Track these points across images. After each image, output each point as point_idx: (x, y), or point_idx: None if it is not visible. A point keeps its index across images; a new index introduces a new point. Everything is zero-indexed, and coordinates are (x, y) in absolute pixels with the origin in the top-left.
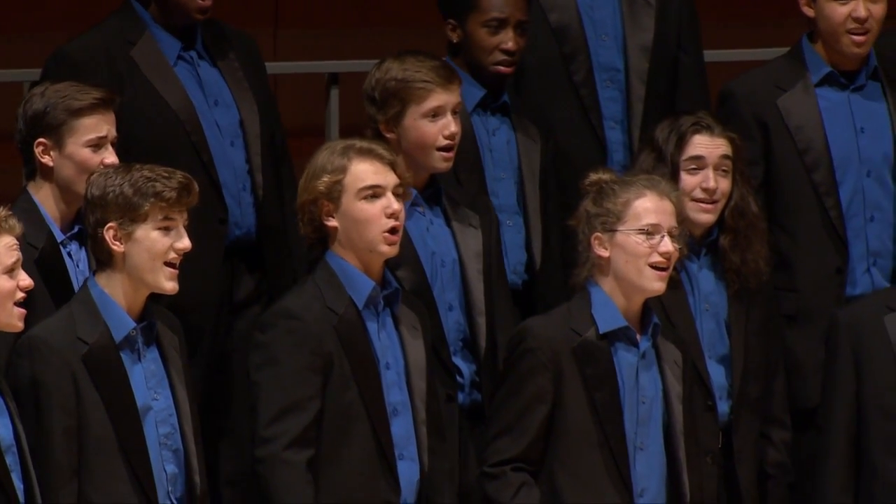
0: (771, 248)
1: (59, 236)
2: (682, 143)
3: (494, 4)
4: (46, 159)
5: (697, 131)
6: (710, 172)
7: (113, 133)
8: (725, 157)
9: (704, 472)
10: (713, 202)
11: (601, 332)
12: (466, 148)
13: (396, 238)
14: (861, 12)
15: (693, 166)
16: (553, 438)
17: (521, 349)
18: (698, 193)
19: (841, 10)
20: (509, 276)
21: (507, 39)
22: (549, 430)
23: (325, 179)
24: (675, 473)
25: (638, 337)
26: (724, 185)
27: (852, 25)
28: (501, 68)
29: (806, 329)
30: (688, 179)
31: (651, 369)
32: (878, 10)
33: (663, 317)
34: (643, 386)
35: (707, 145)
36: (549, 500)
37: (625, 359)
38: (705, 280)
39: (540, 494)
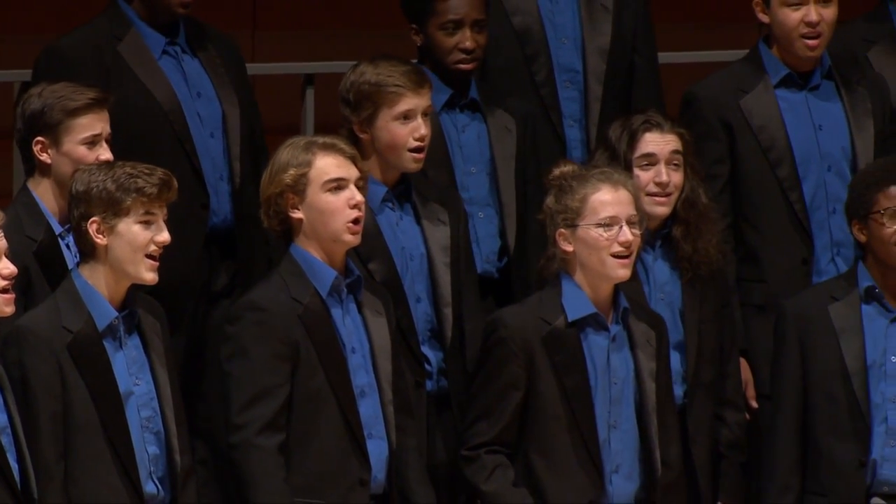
0: (738, 241)
1: (58, 229)
2: (633, 141)
3: (449, 7)
4: (44, 157)
5: (648, 129)
6: (662, 167)
7: (107, 130)
8: (676, 152)
9: (678, 441)
10: (667, 195)
11: (570, 320)
12: (434, 147)
13: (359, 228)
14: (813, 17)
15: (645, 163)
16: (527, 422)
17: (494, 339)
18: (652, 188)
19: (794, 16)
20: (483, 265)
21: (465, 39)
22: (522, 414)
23: (291, 173)
24: (647, 449)
25: (609, 321)
26: (677, 178)
27: (805, 30)
28: (462, 66)
29: (774, 318)
30: (641, 175)
31: (622, 351)
32: (829, 14)
33: (634, 302)
34: (615, 368)
35: (658, 142)
36: (524, 480)
37: (595, 343)
38: (660, 270)
39: (514, 475)
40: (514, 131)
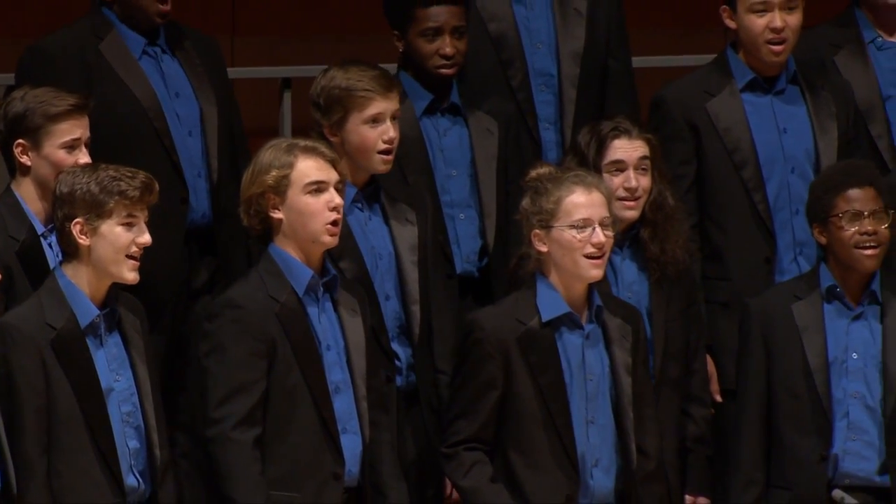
0: (703, 240)
1: (40, 229)
2: (602, 148)
3: (429, 14)
4: (25, 159)
5: (616, 136)
6: (630, 173)
7: (86, 135)
8: (644, 157)
9: (657, 431)
10: (635, 199)
11: (544, 320)
12: (415, 152)
13: (337, 230)
14: (778, 23)
15: (615, 169)
16: (504, 421)
17: (471, 340)
18: (622, 193)
19: (759, 22)
20: (463, 265)
21: (445, 45)
22: (500, 413)
23: (273, 174)
24: (623, 442)
25: (583, 320)
26: (645, 182)
27: (770, 36)
28: (443, 71)
29: (738, 315)
30: (611, 181)
31: (597, 347)
32: (794, 20)
33: (608, 299)
34: (589, 364)
35: (626, 148)
36: (502, 477)
37: (570, 342)
38: (628, 270)
39: (492, 471)
40: (496, 133)
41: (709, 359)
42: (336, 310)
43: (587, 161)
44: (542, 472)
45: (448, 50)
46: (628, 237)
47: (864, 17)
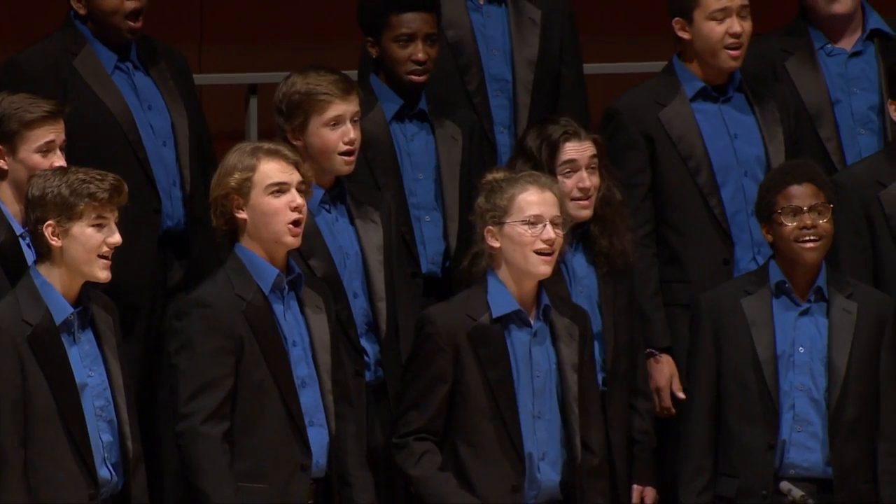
0: (661, 246)
1: (18, 230)
2: (555, 150)
3: (403, 21)
4: (1, 163)
5: (567, 139)
6: (583, 173)
7: (62, 138)
8: (593, 156)
9: (601, 428)
10: (588, 198)
11: (494, 316)
12: (385, 154)
13: (299, 230)
14: (737, 28)
15: (568, 170)
16: (453, 412)
17: (423, 334)
18: (576, 193)
19: (719, 29)
20: (428, 266)
21: (417, 51)
22: (449, 405)
23: (237, 176)
24: (569, 437)
25: (531, 317)
26: (595, 180)
27: (730, 41)
28: (414, 77)
29: None
30: (564, 182)
31: (544, 345)
32: (748, 26)
33: (557, 298)
34: (536, 361)
35: (577, 149)
36: (451, 467)
37: (518, 338)
38: (578, 265)
39: (441, 460)
40: (461, 141)
41: (669, 359)
42: (301, 307)
43: (540, 164)
44: (488, 462)
45: (421, 56)
46: (576, 234)
47: (814, 24)
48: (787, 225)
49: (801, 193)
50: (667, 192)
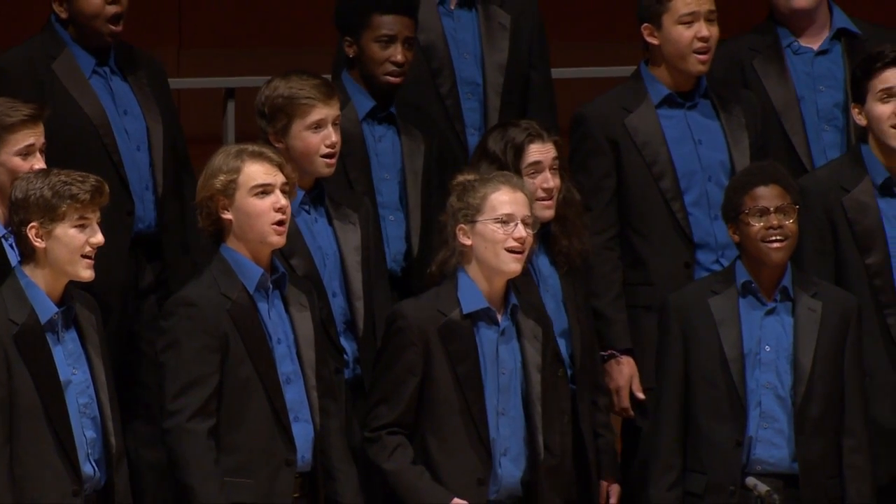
0: (625, 249)
1: (1, 230)
2: (520, 152)
3: (384, 22)
4: None
5: (532, 140)
6: (547, 174)
7: (41, 141)
8: (555, 157)
9: (562, 430)
10: (551, 198)
11: (464, 312)
12: (357, 152)
13: (283, 229)
14: (705, 32)
15: (532, 171)
16: (423, 406)
17: (394, 329)
18: (540, 193)
19: (687, 33)
20: (389, 264)
21: (396, 53)
22: (419, 398)
23: (222, 178)
24: (531, 435)
25: (499, 316)
26: (557, 181)
27: (698, 45)
28: (391, 78)
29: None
30: (530, 183)
31: (510, 344)
32: (715, 31)
33: (523, 298)
34: (503, 359)
35: (541, 150)
36: (419, 459)
37: (486, 335)
38: (543, 264)
39: (413, 454)
40: (423, 150)
41: (630, 360)
42: (286, 305)
43: (506, 165)
44: (456, 455)
45: (400, 58)
46: (538, 235)
47: (781, 22)
48: (753, 225)
49: (767, 194)
50: (631, 197)
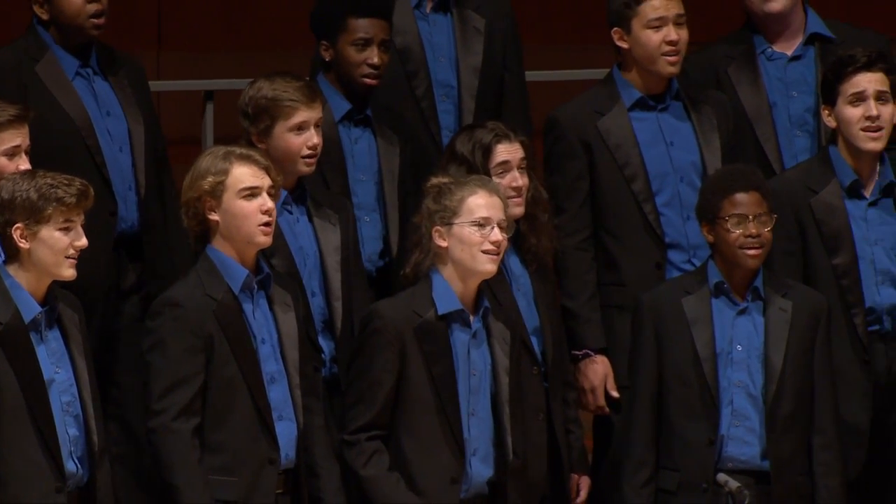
0: (598, 249)
1: None
2: (488, 153)
3: (360, 26)
4: None
5: (499, 141)
6: (515, 173)
7: (26, 142)
8: (523, 157)
9: (536, 428)
10: (520, 196)
11: (439, 313)
12: (333, 153)
13: (271, 230)
14: (673, 36)
15: (501, 170)
16: (398, 406)
17: (370, 329)
18: (510, 192)
19: (656, 37)
20: (365, 264)
21: (373, 55)
22: (395, 398)
23: (210, 180)
24: (500, 437)
25: (471, 318)
26: (525, 180)
27: (667, 48)
28: (368, 81)
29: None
30: (499, 182)
31: (481, 346)
32: (684, 34)
33: (493, 299)
34: (474, 360)
35: (509, 150)
36: (394, 458)
37: (459, 337)
38: (514, 264)
39: (389, 460)
40: (398, 151)
41: (605, 359)
42: (270, 305)
43: (474, 166)
44: (430, 455)
45: (376, 60)
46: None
47: (756, 28)
48: (732, 231)
49: (747, 201)
50: (604, 199)
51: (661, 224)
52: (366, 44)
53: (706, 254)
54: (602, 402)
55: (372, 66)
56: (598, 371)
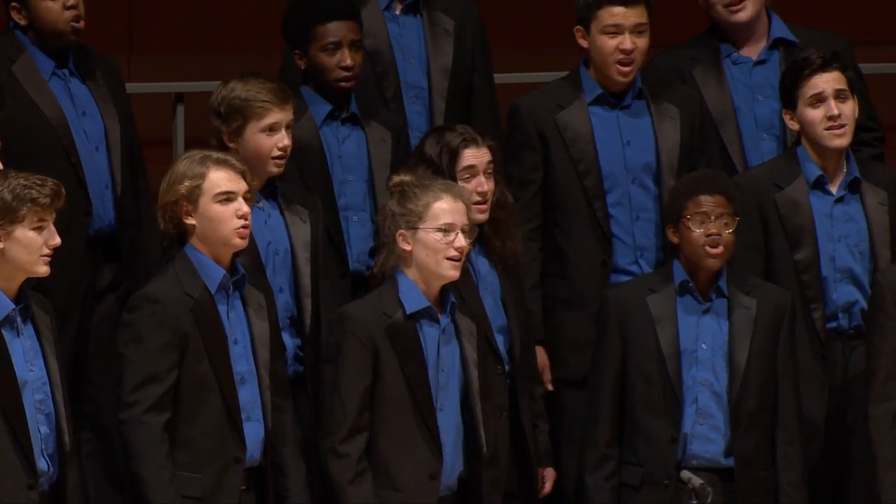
0: (546, 240)
1: None
2: (455, 157)
3: (327, 30)
4: None
5: (466, 145)
6: (481, 178)
7: None
8: (490, 162)
9: (499, 426)
10: (486, 202)
11: (408, 313)
12: (314, 159)
13: (247, 232)
14: (627, 45)
15: (467, 175)
16: (374, 406)
17: (341, 331)
18: (475, 197)
19: (611, 43)
20: (354, 264)
21: (345, 58)
22: (371, 399)
23: (187, 184)
24: (472, 428)
25: (439, 315)
26: (491, 185)
27: (619, 56)
28: (344, 84)
29: (576, 311)
30: (464, 186)
31: (451, 342)
32: (643, 43)
33: (459, 296)
34: (443, 356)
35: (476, 155)
36: (371, 458)
37: (429, 333)
38: (481, 264)
39: (372, 479)
40: (389, 143)
41: (542, 350)
42: (244, 306)
43: (441, 169)
44: (407, 452)
45: (348, 62)
46: (476, 236)
47: (722, 34)
48: (694, 231)
49: (711, 202)
50: (556, 192)
51: (610, 223)
52: (336, 47)
53: (653, 255)
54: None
55: (345, 68)
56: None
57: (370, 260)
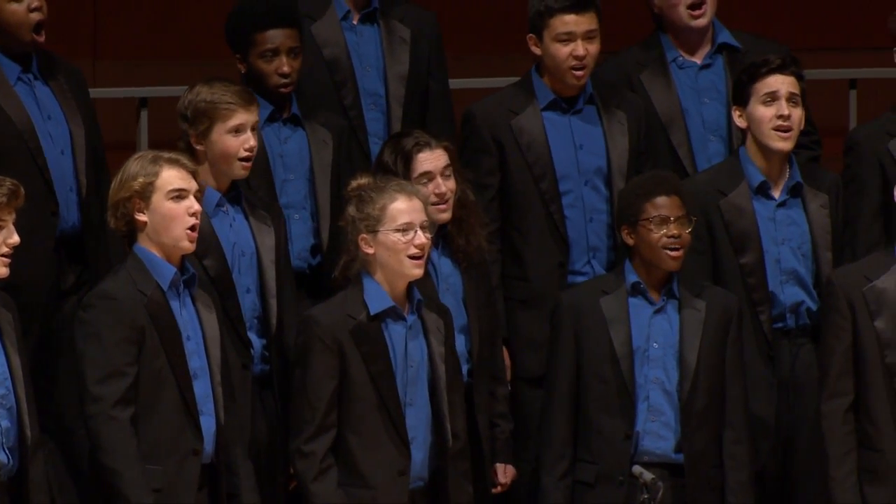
0: (504, 243)
1: None
2: (409, 162)
3: (266, 38)
4: None
5: (420, 150)
6: (438, 180)
7: None
8: (447, 164)
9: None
10: (446, 202)
11: (371, 313)
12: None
13: (195, 235)
14: (580, 51)
15: (424, 180)
16: (341, 406)
17: (308, 335)
18: (433, 199)
19: (564, 50)
20: (295, 261)
21: (282, 64)
22: (339, 399)
23: (140, 181)
24: (440, 423)
25: (405, 312)
26: (451, 185)
27: (573, 63)
28: (282, 90)
29: (534, 312)
30: (422, 190)
31: (418, 338)
32: (594, 48)
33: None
34: (411, 352)
35: (430, 158)
36: (340, 457)
37: (395, 331)
38: (444, 264)
39: (337, 474)
40: (331, 144)
41: (504, 351)
42: (194, 304)
43: (398, 175)
44: (376, 450)
45: (286, 69)
46: (439, 235)
47: (668, 39)
48: (655, 232)
49: (668, 204)
50: (513, 195)
51: (566, 225)
52: (273, 54)
53: (604, 256)
54: None
55: (282, 74)
56: None
57: (311, 257)
